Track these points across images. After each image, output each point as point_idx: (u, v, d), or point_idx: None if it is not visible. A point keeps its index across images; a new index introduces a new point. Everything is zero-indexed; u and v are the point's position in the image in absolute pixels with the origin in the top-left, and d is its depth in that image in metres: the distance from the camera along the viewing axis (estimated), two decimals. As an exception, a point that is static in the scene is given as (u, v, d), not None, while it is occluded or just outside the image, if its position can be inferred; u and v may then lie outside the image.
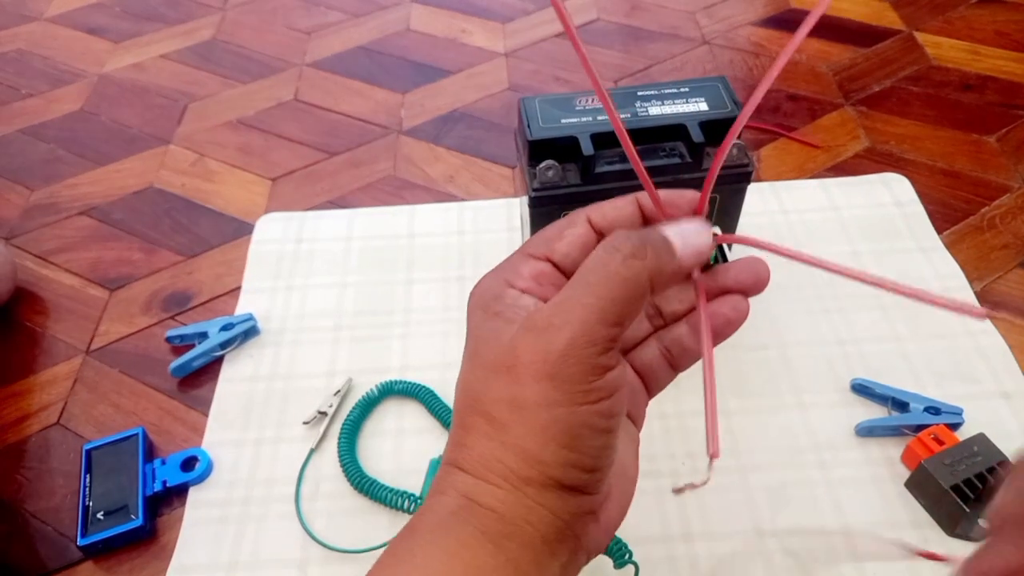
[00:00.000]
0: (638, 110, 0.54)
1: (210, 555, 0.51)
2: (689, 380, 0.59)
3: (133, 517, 0.51)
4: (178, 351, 0.63)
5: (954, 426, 0.54)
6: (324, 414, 0.57)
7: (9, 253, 0.69)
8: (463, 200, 0.75)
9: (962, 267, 0.66)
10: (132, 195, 0.78)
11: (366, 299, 0.66)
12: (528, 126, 0.53)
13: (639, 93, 0.55)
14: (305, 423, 0.57)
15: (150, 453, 0.56)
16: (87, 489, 0.53)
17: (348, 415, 0.57)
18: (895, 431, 0.55)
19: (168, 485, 0.53)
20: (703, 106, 0.54)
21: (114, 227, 0.75)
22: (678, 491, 0.32)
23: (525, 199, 0.54)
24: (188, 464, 0.55)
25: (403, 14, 1.02)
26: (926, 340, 0.60)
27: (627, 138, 0.29)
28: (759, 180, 0.75)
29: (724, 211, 0.57)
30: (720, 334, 0.31)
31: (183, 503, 0.54)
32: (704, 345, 0.29)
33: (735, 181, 0.55)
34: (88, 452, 0.55)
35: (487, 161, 0.80)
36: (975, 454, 0.50)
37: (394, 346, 0.62)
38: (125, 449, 0.55)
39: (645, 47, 0.94)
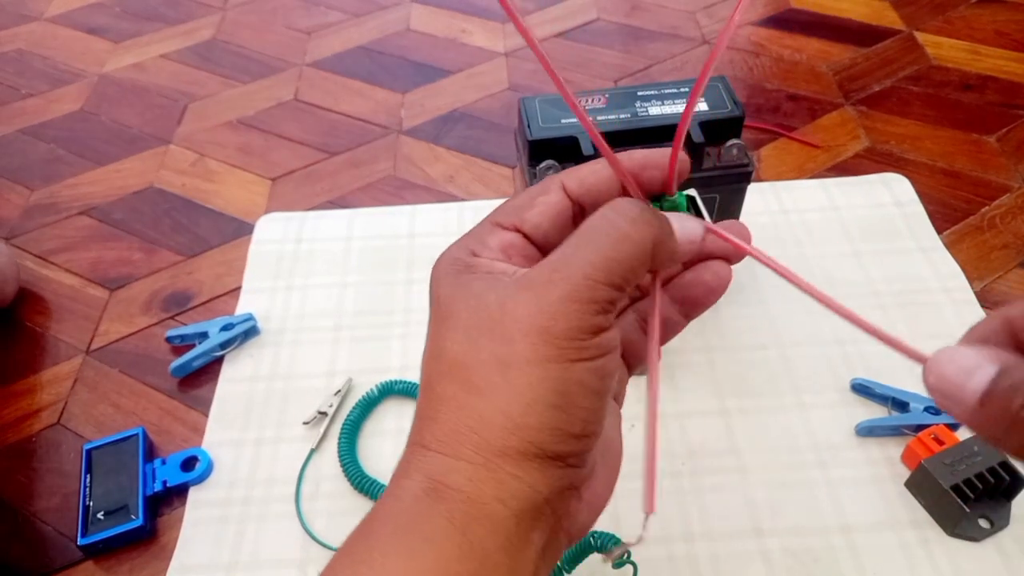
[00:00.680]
0: (638, 110, 0.54)
1: (210, 555, 0.51)
2: (689, 379, 0.59)
3: (133, 517, 0.51)
4: (178, 351, 0.63)
5: (954, 426, 0.54)
6: (324, 414, 0.57)
7: (13, 254, 0.69)
8: (463, 200, 0.75)
9: (962, 267, 0.66)
10: (132, 195, 0.78)
11: (366, 299, 0.66)
12: (528, 126, 0.53)
13: (639, 93, 0.55)
14: (305, 423, 0.57)
15: (150, 453, 0.56)
16: (87, 489, 0.53)
17: (348, 415, 0.57)
18: (895, 431, 0.55)
19: (168, 485, 0.53)
20: (703, 106, 0.54)
21: (114, 227, 0.75)
22: (607, 558, 0.30)
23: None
24: (188, 464, 0.55)
25: (403, 14, 1.02)
26: (926, 340, 0.60)
27: (588, 123, 0.28)
28: (759, 180, 0.75)
29: (724, 211, 0.57)
30: (702, 303, 0.30)
31: (183, 503, 0.54)
32: (651, 365, 0.27)
33: (735, 181, 0.55)
34: (88, 452, 0.55)
35: (487, 161, 0.80)
36: (975, 454, 0.50)
37: (394, 346, 0.62)
38: (125, 449, 0.55)
39: (645, 47, 0.94)
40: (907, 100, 0.85)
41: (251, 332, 0.63)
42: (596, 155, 0.52)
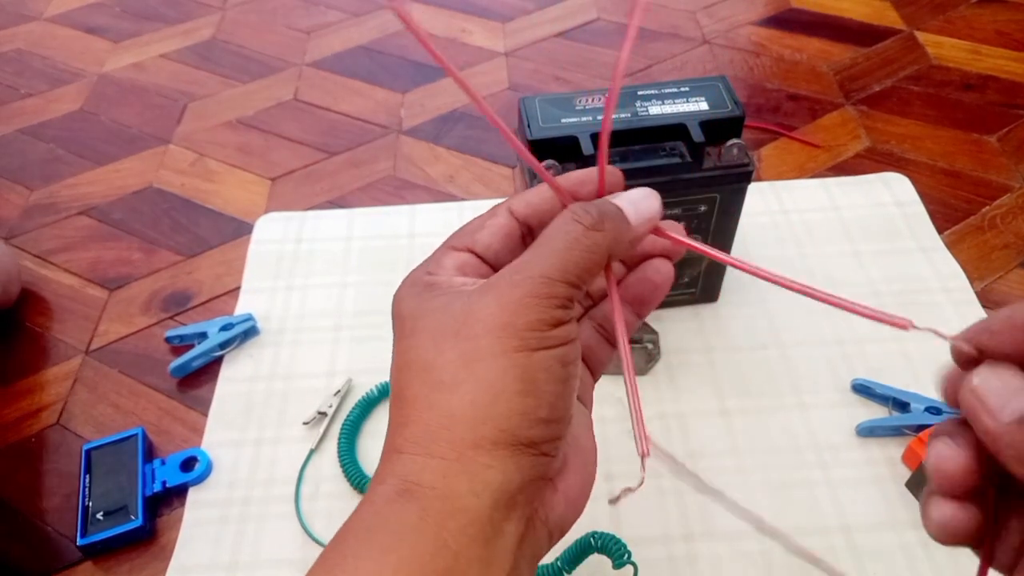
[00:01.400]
0: (638, 110, 0.54)
1: (210, 555, 0.51)
2: (689, 379, 0.59)
3: (133, 517, 0.51)
4: (178, 351, 0.63)
5: (955, 426, 0.54)
6: (324, 414, 0.57)
7: (15, 255, 0.69)
8: (463, 200, 0.75)
9: (963, 267, 0.66)
10: (132, 195, 0.78)
11: (366, 299, 0.66)
12: (528, 126, 0.53)
13: (639, 92, 0.55)
14: (305, 423, 0.57)
15: (150, 453, 0.56)
16: (87, 489, 0.53)
17: (348, 415, 0.57)
18: (896, 431, 0.55)
19: (168, 485, 0.53)
20: (703, 105, 0.54)
21: (114, 227, 0.75)
22: (614, 501, 0.31)
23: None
24: (188, 464, 0.55)
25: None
26: (926, 339, 0.60)
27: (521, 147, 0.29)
28: (760, 180, 0.75)
29: (724, 211, 0.57)
30: (650, 300, 0.31)
31: (183, 503, 0.54)
32: (620, 336, 0.29)
33: (735, 181, 0.55)
34: (88, 452, 0.55)
35: (487, 161, 0.80)
36: (976, 454, 0.50)
37: (394, 346, 0.62)
38: (125, 449, 0.55)
39: (645, 47, 0.94)
40: (908, 100, 0.85)
41: (251, 332, 0.63)
42: (596, 155, 0.52)
